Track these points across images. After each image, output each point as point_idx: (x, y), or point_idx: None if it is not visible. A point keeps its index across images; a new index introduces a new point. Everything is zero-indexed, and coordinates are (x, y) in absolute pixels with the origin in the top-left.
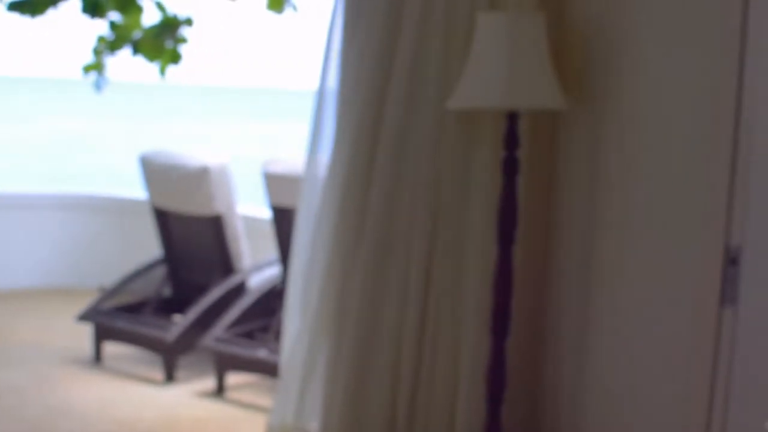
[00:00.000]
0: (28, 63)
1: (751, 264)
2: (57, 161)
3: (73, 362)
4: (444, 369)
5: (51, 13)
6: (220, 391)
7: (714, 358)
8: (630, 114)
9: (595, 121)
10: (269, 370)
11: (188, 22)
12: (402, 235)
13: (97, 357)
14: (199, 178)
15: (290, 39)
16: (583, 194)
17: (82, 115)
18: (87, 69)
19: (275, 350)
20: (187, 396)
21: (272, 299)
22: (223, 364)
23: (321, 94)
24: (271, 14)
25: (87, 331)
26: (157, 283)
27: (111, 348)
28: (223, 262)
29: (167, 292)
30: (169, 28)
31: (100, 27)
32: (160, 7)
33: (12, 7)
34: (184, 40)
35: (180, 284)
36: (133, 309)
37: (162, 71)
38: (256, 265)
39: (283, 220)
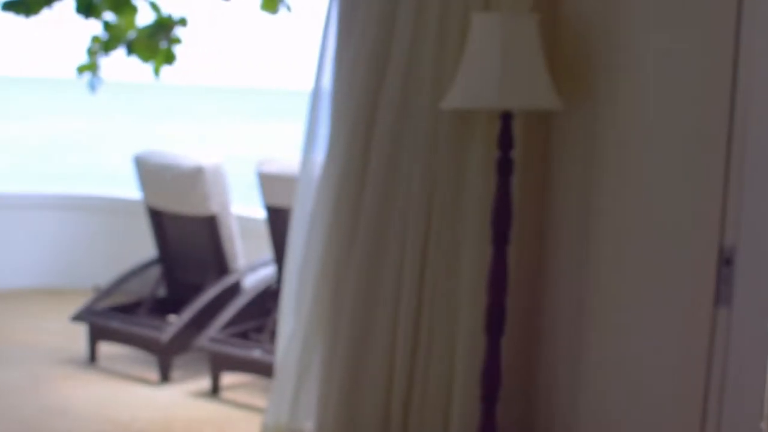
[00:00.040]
0: (22, 63)
1: (746, 264)
2: (51, 161)
3: (68, 362)
4: (438, 368)
5: (45, 13)
6: (214, 391)
7: (708, 358)
8: (624, 114)
9: (590, 122)
10: (264, 370)
11: (182, 22)
12: (396, 235)
13: (92, 357)
14: (194, 178)
15: (285, 39)
16: (578, 194)
17: (76, 115)
18: (81, 69)
19: (270, 350)
20: (181, 396)
21: (267, 299)
22: (218, 364)
23: (316, 94)
24: (266, 14)
25: (82, 331)
26: (152, 284)
27: (106, 348)
28: (218, 262)
29: (162, 292)
30: (164, 28)
31: (95, 27)
32: (154, 7)
33: (6, 7)
34: (178, 41)
35: (175, 284)
36: (127, 309)
37: (156, 72)
38: (250, 265)
39: (278, 220)
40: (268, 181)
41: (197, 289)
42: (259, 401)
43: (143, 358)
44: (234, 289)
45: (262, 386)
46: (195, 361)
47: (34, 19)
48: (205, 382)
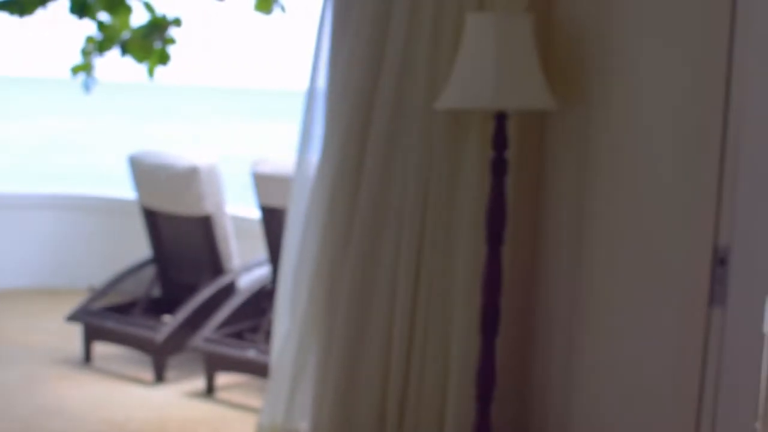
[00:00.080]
0: (16, 62)
1: (740, 264)
2: (46, 161)
3: (63, 362)
4: (433, 368)
5: (40, 13)
6: (209, 391)
7: (703, 358)
8: (618, 114)
9: (584, 122)
10: (259, 370)
11: (177, 22)
12: (391, 235)
13: (87, 357)
14: (188, 178)
15: (280, 39)
16: (572, 194)
17: (71, 115)
18: (75, 70)
19: (265, 350)
20: (176, 396)
21: (261, 299)
22: (213, 364)
23: (311, 94)
24: (260, 15)
25: (76, 331)
26: (147, 284)
27: (100, 348)
28: (213, 263)
29: (157, 292)
30: (158, 28)
31: (89, 27)
32: (148, 7)
33: (0, 7)
34: (172, 41)
35: (169, 284)
36: (122, 309)
37: (150, 72)
38: (245, 265)
39: (272, 220)
40: (262, 181)
41: (192, 289)
42: (254, 401)
43: (138, 358)
44: (229, 289)
45: (257, 386)
46: (190, 361)
47: (28, 19)
48: (199, 383)
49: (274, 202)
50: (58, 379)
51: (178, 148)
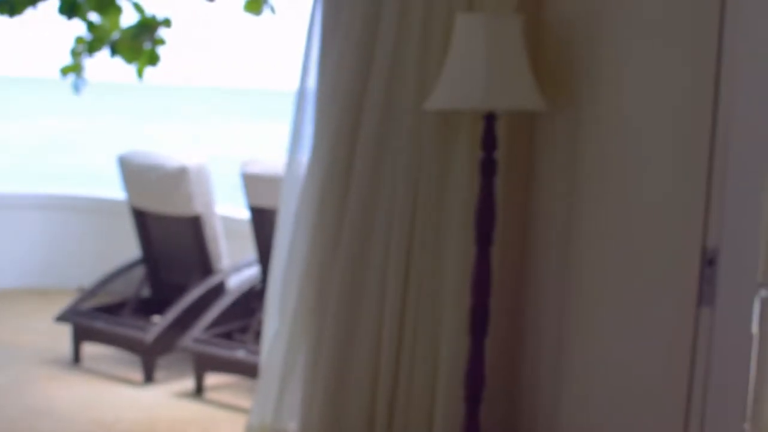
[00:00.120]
0: (6, 62)
1: (728, 265)
2: (35, 161)
3: (52, 363)
4: (423, 369)
5: (30, 13)
6: (199, 391)
7: (692, 359)
8: (608, 115)
9: (573, 122)
10: (248, 370)
11: (166, 23)
12: (380, 236)
13: (76, 358)
14: (178, 178)
15: (270, 39)
16: (561, 195)
17: (60, 115)
18: (65, 71)
19: (254, 351)
20: (166, 397)
21: (251, 300)
22: (202, 364)
23: (301, 94)
24: (249, 16)
25: (66, 331)
26: (136, 284)
27: (90, 348)
28: (202, 263)
29: (146, 292)
30: (147, 29)
31: (80, 27)
32: (138, 8)
33: None
34: (162, 42)
35: (159, 285)
36: (112, 309)
37: (140, 73)
38: (234, 265)
39: (262, 220)
40: (251, 182)
41: (181, 290)
42: (244, 402)
43: (127, 359)
44: (218, 290)
45: (247, 387)
46: (179, 362)
47: (18, 19)
48: (189, 383)
49: (263, 202)
50: (48, 379)
51: (171, 148)
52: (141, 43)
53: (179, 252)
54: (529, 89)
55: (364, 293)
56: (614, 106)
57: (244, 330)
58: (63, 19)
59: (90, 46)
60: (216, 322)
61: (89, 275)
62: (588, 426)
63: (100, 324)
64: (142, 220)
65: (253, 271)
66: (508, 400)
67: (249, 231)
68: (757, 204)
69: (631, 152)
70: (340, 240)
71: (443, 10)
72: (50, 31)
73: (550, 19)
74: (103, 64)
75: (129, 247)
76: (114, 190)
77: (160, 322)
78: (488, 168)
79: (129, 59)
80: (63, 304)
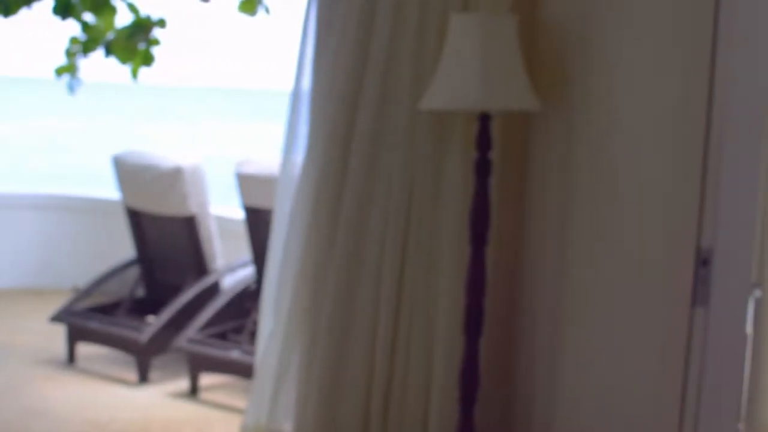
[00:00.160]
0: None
1: (723, 265)
2: (30, 161)
3: (47, 363)
4: (417, 369)
5: (25, 13)
6: (193, 392)
7: (686, 359)
8: (602, 115)
9: (568, 123)
10: (243, 370)
11: (161, 23)
12: (375, 236)
13: (71, 358)
14: (173, 178)
15: (265, 40)
16: (556, 195)
17: (55, 115)
18: (59, 71)
19: (249, 351)
20: (160, 397)
21: (245, 300)
22: (197, 364)
23: (296, 94)
24: (244, 16)
25: (60, 331)
26: (131, 284)
27: (84, 349)
28: (197, 263)
29: (141, 292)
30: (142, 29)
31: (74, 28)
32: (132, 8)
33: None
34: (156, 42)
35: (154, 285)
36: (106, 310)
37: (134, 73)
38: (229, 265)
39: (256, 220)
40: (246, 182)
41: (176, 290)
42: (238, 402)
43: (122, 359)
44: (213, 290)
45: (241, 387)
46: (174, 362)
47: (12, 19)
48: (183, 383)
49: (257, 202)
50: (43, 379)
51: (169, 149)
52: (135, 44)
53: (174, 252)
54: (524, 89)
55: (359, 293)
56: (609, 105)
57: (238, 330)
58: (57, 19)
59: (84, 46)
60: (211, 323)
61: (84, 275)
62: (582, 425)
63: (94, 324)
64: (137, 220)
65: (247, 272)
66: (502, 400)
67: (244, 231)
68: (751, 204)
69: (626, 152)
70: (335, 240)
71: (438, 8)
72: (45, 32)
73: (544, 20)
74: (97, 64)
75: (124, 248)
76: (109, 190)
77: (154, 322)
78: (483, 168)
79: (123, 59)
80: (58, 304)
